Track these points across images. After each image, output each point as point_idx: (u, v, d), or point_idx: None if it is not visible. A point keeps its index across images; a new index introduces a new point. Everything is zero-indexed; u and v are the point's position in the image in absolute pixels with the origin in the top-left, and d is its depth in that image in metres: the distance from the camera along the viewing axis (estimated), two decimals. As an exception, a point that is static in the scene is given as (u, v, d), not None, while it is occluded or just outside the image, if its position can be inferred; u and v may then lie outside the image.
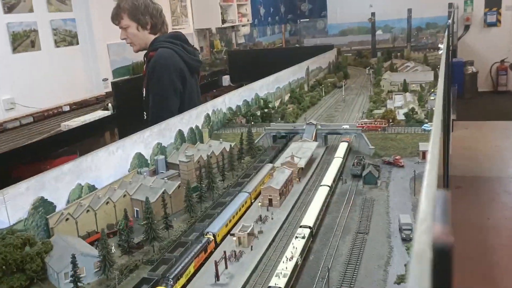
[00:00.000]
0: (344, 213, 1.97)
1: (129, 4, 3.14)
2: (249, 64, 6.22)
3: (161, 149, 2.51)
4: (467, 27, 10.34)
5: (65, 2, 5.25)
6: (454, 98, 5.80)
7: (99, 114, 4.34)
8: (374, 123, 2.75)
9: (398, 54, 6.20)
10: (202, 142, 2.79)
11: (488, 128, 7.10)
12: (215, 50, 7.59)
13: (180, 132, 2.67)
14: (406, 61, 5.64)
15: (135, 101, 3.41)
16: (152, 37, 3.25)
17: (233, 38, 8.23)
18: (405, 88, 4.09)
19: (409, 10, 6.92)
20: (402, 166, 2.42)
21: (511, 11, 10.28)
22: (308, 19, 10.98)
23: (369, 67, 5.27)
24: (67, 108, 4.70)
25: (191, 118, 2.80)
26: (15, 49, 4.66)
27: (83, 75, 5.48)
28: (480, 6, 10.34)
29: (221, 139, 2.70)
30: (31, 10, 4.83)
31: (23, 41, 4.74)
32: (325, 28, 10.83)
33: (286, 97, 4.23)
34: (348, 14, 10.82)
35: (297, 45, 9.47)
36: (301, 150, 2.54)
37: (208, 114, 3.01)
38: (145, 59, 3.29)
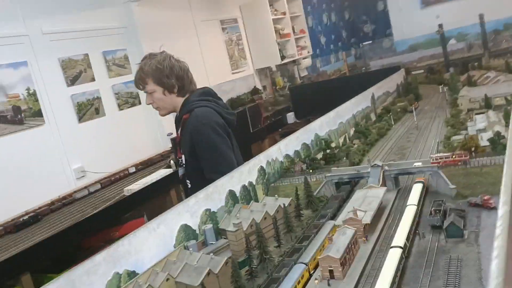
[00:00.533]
0: (425, 282, 1.59)
1: (153, 67, 2.95)
2: (312, 97, 5.98)
3: (210, 215, 2.29)
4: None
5: (124, 66, 5.42)
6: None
7: (161, 173, 4.29)
8: (453, 157, 2.33)
9: (476, 64, 5.61)
10: (257, 200, 2.55)
11: None
12: (278, 87, 7.46)
13: (231, 193, 2.45)
14: (486, 71, 5.04)
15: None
16: (181, 99, 3.07)
17: (296, 72, 8.07)
18: (487, 104, 3.58)
19: (481, 16, 6.30)
20: (494, 208, 1.98)
21: None
22: (371, 41, 10.56)
23: (442, 84, 4.77)
24: (133, 170, 4.74)
25: (243, 175, 2.58)
26: (81, 119, 4.84)
27: (148, 133, 5.57)
28: None
29: (276, 195, 2.43)
30: (92, 79, 5.02)
31: (87, 110, 4.91)
32: (392, 46, 10.32)
33: (351, 132, 3.89)
34: (416, 27, 10.25)
35: (363, 68, 9.07)
36: (366, 200, 2.19)
37: (262, 167, 2.77)
38: (176, 123, 3.13)
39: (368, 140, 3.52)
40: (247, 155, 3.01)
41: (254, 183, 2.64)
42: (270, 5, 7.42)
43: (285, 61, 7.34)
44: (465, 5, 9.80)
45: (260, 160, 2.79)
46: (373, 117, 4.40)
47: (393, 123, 4.03)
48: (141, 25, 5.69)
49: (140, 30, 5.68)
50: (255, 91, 7.07)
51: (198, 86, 3.20)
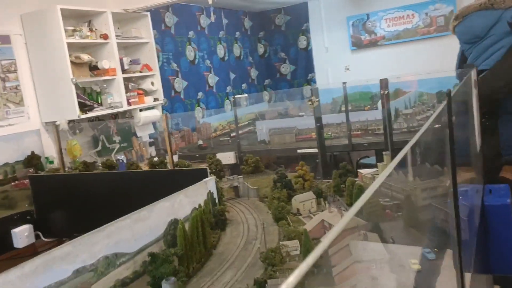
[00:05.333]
0: None
1: None
2: (65, 200, 2.95)
3: None
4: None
5: None
6: None
7: None
8: None
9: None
10: None
11: None
12: (74, 160, 4.35)
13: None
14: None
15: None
16: None
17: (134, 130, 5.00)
18: None
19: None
20: None
21: None
22: (289, 87, 7.82)
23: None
24: None
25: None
26: None
27: None
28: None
29: None
30: None
31: None
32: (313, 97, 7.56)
33: None
34: (344, 74, 7.58)
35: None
36: None
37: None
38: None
39: None
40: None
41: None
42: (86, 22, 4.45)
43: (94, 113, 4.33)
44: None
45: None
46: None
47: None
48: None
49: None
50: (30, 160, 4.09)
51: None
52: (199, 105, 6.54)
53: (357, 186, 2.34)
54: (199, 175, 2.47)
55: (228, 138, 5.52)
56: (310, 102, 3.17)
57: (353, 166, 6.09)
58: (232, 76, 7.44)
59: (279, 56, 8.36)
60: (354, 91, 7.73)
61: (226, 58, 7.29)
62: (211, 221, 2.34)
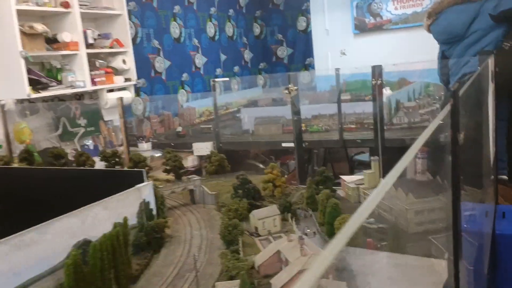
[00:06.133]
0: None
1: None
2: None
3: None
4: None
5: None
6: None
7: None
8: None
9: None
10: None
11: None
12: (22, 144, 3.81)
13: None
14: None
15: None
16: None
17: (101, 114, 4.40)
18: None
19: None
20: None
21: None
22: (285, 70, 7.24)
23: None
24: None
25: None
26: None
27: None
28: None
29: None
30: None
31: None
32: (311, 83, 6.99)
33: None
34: (345, 60, 6.99)
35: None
36: None
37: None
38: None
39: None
40: None
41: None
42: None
43: (50, 92, 3.78)
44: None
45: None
46: None
47: None
48: None
49: None
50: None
51: None
52: (183, 88, 5.99)
53: (331, 204, 1.80)
54: (134, 179, 1.94)
55: (210, 126, 4.96)
56: (286, 91, 2.62)
57: (347, 162, 5.54)
58: (223, 57, 6.86)
59: (276, 37, 7.76)
60: (355, 79, 7.16)
61: (217, 37, 6.70)
62: (142, 240, 1.81)
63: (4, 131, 3.60)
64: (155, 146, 4.58)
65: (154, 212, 1.96)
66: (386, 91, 5.60)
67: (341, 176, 2.40)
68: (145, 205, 1.90)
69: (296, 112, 2.73)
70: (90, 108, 4.42)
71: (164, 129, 5.42)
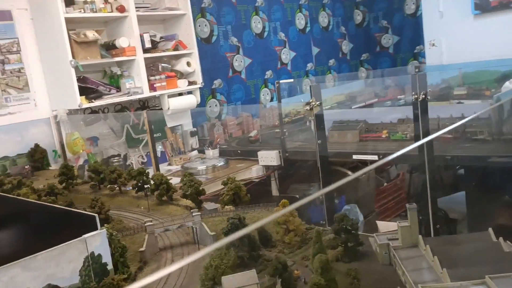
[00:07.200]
0: None
1: None
2: None
3: None
4: None
5: None
6: None
7: None
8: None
9: None
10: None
11: None
12: (73, 154, 3.70)
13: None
14: None
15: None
16: None
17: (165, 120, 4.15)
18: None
19: None
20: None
21: None
22: (391, 62, 6.35)
23: None
24: None
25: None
26: None
27: None
28: None
29: None
30: None
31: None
32: (421, 74, 6.05)
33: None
34: (462, 47, 5.89)
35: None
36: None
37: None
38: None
39: None
40: None
41: None
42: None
43: (104, 101, 3.63)
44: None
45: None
46: None
47: None
48: None
49: None
50: (33, 153, 3.60)
51: None
52: (266, 86, 5.57)
53: (318, 261, 1.22)
54: (85, 224, 1.59)
55: (286, 130, 4.45)
56: (307, 107, 2.02)
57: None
58: (316, 50, 6.27)
59: (380, 24, 6.89)
60: (476, 69, 6.03)
61: (308, 29, 6.13)
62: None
63: (59, 143, 3.59)
64: (222, 153, 4.25)
65: (110, 266, 1.58)
66: (510, 84, 4.52)
67: (377, 222, 1.76)
68: (93, 259, 1.53)
69: (321, 133, 2.11)
70: (155, 115, 4.25)
71: (242, 132, 5.07)
